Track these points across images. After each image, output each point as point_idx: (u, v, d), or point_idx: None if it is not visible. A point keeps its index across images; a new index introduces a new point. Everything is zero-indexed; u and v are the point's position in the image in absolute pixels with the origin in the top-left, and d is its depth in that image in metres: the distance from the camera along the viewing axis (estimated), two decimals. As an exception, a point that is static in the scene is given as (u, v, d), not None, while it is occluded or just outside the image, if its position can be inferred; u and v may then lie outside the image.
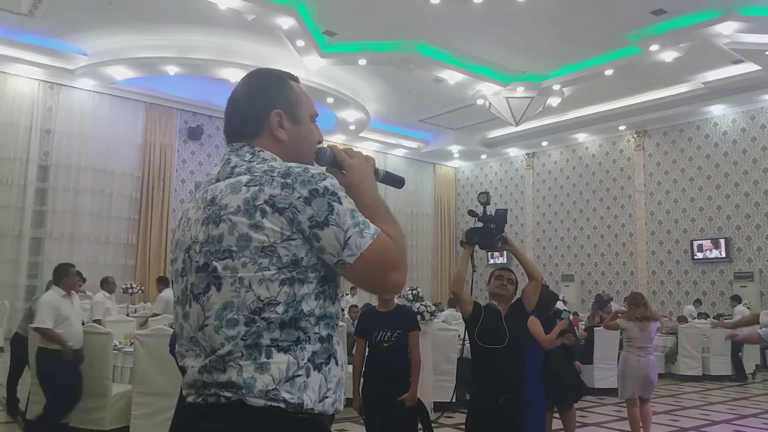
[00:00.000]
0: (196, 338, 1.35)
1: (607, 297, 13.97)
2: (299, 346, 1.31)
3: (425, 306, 7.20)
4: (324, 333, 1.35)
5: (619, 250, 16.94)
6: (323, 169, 1.43)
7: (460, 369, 6.69)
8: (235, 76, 13.44)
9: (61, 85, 14.05)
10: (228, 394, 1.28)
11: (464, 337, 4.32)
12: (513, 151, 19.72)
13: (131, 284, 12.16)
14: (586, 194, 17.84)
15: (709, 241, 15.05)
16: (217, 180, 1.42)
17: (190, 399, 1.36)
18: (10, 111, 13.46)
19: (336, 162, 1.54)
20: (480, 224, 3.76)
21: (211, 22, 11.83)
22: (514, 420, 3.95)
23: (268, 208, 1.29)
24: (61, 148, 14.06)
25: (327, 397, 1.33)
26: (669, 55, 12.49)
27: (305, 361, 1.31)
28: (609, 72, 13.37)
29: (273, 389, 1.27)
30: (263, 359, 1.28)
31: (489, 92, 14.76)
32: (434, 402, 7.00)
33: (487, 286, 4.21)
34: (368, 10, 11.14)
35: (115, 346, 6.40)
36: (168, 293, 9.80)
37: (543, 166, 19.17)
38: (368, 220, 1.36)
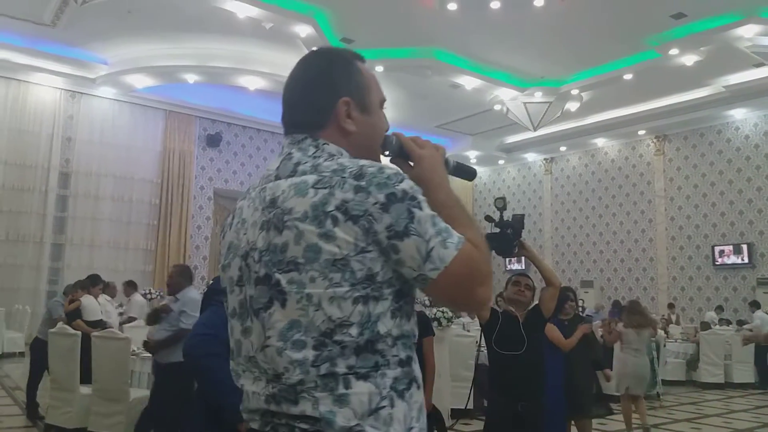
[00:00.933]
0: (256, 359, 1.20)
1: (625, 303, 13.80)
2: (379, 373, 1.15)
3: (442, 312, 7.16)
4: (403, 355, 1.20)
5: (639, 255, 16.76)
6: (397, 168, 1.25)
7: (477, 376, 6.64)
8: (253, 83, 13.57)
9: (82, 93, 14.25)
10: (305, 426, 1.13)
11: (480, 344, 4.30)
12: (531, 157, 19.61)
13: (150, 290, 12.26)
14: (606, 199, 17.68)
15: (731, 246, 14.83)
16: (277, 177, 1.25)
17: (254, 425, 1.22)
18: (32, 119, 13.67)
19: (403, 152, 1.36)
20: (497, 230, 3.72)
21: (229, 31, 11.92)
22: (533, 427, 3.92)
23: (340, 216, 1.13)
24: (82, 156, 14.24)
25: (412, 428, 1.18)
26: (689, 59, 12.36)
27: (388, 389, 1.15)
28: (628, 76, 13.26)
29: (356, 425, 1.12)
30: (342, 390, 1.12)
31: (507, 97, 14.71)
32: (452, 409, 6.96)
33: (504, 292, 4.19)
34: (385, 17, 11.15)
35: (133, 351, 6.44)
36: (139, 297, 10.37)
37: (562, 171, 19.05)
38: (450, 227, 1.19)
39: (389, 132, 1.38)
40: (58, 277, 13.64)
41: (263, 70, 13.25)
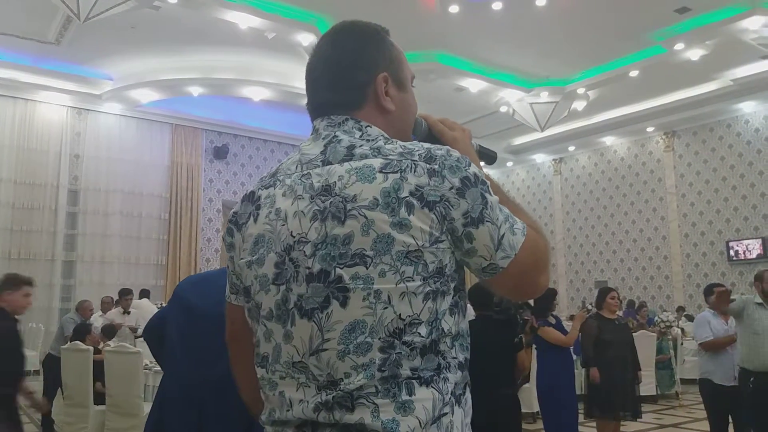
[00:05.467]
0: (306, 364, 1.08)
1: (641, 302, 13.68)
2: (441, 377, 1.07)
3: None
4: (461, 357, 1.12)
5: (653, 254, 16.61)
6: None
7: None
8: (258, 94, 13.59)
9: (88, 110, 14.30)
10: None
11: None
12: (540, 157, 19.51)
13: (161, 304, 12.24)
14: (617, 198, 17.55)
15: (746, 241, 14.67)
16: (326, 162, 1.13)
17: None
18: (40, 137, 13.73)
19: (431, 135, 1.29)
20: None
21: (232, 42, 11.94)
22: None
23: (415, 202, 1.04)
24: (90, 172, 14.28)
25: None
26: (695, 54, 12.25)
27: (449, 395, 1.07)
28: (634, 73, 13.16)
29: None
30: (405, 396, 1.03)
31: (512, 99, 14.64)
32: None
33: None
34: (387, 21, 10.93)
35: (146, 365, 6.42)
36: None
37: (571, 171, 18.93)
38: (511, 213, 1.14)
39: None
40: (70, 294, 13.66)
41: (267, 81, 13.27)
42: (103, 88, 13.73)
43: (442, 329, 1.08)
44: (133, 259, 14.59)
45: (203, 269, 15.50)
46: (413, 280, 1.04)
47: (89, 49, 12.17)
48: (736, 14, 10.90)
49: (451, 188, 1.06)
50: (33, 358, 11.29)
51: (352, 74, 1.21)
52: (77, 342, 6.45)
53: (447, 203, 1.06)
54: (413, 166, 1.07)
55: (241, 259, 1.21)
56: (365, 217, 1.04)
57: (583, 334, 5.59)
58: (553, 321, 5.62)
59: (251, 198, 1.22)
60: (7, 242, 13.09)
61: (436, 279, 1.07)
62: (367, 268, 1.04)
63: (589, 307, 9.77)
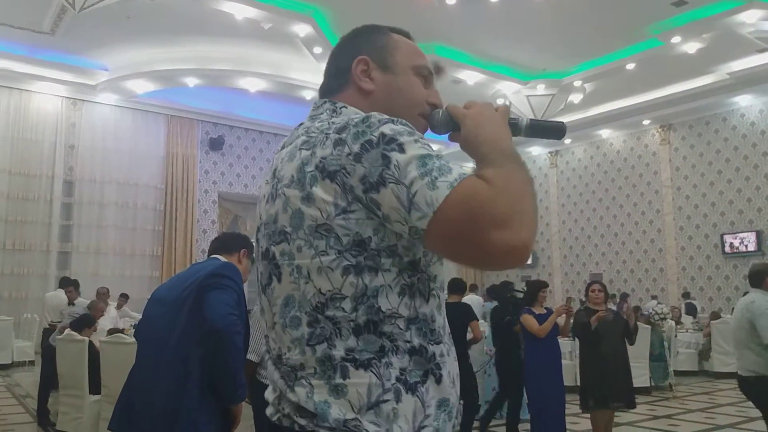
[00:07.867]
0: (269, 338, 1.16)
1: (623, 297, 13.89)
2: (384, 361, 1.02)
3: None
4: (416, 342, 1.05)
5: (648, 246, 16.65)
6: (387, 115, 1.09)
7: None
8: (254, 85, 13.55)
9: (83, 100, 14.25)
10: (302, 422, 1.04)
11: None
12: (536, 150, 19.51)
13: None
14: (612, 191, 17.58)
15: (740, 234, 14.72)
16: (283, 147, 1.18)
17: (268, 412, 1.14)
18: (34, 128, 13.69)
19: (455, 123, 1.22)
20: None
21: (228, 33, 11.90)
22: None
23: (318, 174, 1.03)
24: (85, 163, 14.25)
25: (425, 427, 1.03)
26: (692, 47, 12.26)
27: (392, 381, 1.02)
28: (631, 66, 13.17)
29: (353, 419, 1.00)
30: (338, 380, 1.02)
31: (509, 91, 14.64)
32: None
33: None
34: (384, 13, 11.06)
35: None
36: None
37: (567, 164, 18.95)
38: (448, 165, 1.00)
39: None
40: (65, 285, 13.64)
41: (263, 72, 13.23)
42: (98, 79, 13.68)
43: (379, 307, 1.02)
44: (129, 250, 14.57)
45: (199, 260, 15.49)
46: (327, 254, 1.03)
47: (84, 39, 12.12)
48: (732, 8, 10.91)
49: (348, 155, 1.01)
50: (28, 348, 11.30)
51: (335, 62, 1.29)
52: (72, 332, 6.43)
53: (344, 171, 1.01)
54: (324, 139, 1.05)
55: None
56: (284, 195, 1.08)
57: (574, 323, 5.65)
58: (543, 311, 5.62)
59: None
60: (1, 233, 13.07)
61: (355, 253, 1.02)
62: (289, 245, 1.07)
63: (583, 299, 9.78)
